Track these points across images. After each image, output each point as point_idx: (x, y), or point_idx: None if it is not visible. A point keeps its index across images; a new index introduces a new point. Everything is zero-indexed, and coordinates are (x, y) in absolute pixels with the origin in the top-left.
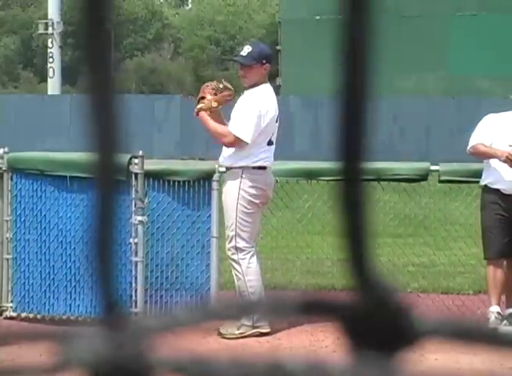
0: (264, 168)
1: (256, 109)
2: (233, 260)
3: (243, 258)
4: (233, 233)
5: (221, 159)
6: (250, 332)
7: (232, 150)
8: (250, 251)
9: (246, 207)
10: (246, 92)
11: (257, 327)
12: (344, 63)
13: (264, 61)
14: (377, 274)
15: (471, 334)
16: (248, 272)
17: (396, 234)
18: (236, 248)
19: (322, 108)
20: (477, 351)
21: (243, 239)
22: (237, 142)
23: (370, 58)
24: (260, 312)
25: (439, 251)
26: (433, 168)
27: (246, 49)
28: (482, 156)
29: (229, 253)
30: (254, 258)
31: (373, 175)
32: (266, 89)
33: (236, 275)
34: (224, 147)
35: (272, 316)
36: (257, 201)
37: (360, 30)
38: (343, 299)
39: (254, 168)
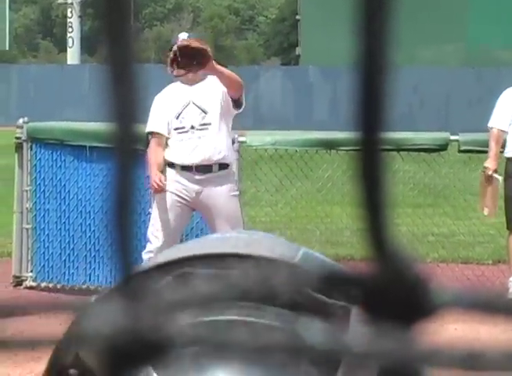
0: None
1: None
2: None
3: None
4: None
5: (219, 154)
6: None
7: (229, 141)
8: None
9: None
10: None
11: None
12: (362, 32)
13: None
14: (396, 244)
15: (490, 304)
16: None
17: (416, 204)
18: None
19: (341, 78)
20: (496, 321)
21: None
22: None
23: (389, 27)
24: (278, 283)
25: (459, 220)
26: (452, 137)
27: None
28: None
29: None
30: None
31: (392, 145)
32: None
33: None
34: (219, 139)
35: (290, 287)
36: None
37: None
38: (361, 270)
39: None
